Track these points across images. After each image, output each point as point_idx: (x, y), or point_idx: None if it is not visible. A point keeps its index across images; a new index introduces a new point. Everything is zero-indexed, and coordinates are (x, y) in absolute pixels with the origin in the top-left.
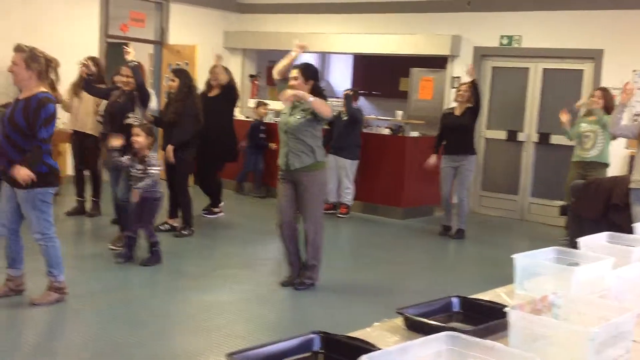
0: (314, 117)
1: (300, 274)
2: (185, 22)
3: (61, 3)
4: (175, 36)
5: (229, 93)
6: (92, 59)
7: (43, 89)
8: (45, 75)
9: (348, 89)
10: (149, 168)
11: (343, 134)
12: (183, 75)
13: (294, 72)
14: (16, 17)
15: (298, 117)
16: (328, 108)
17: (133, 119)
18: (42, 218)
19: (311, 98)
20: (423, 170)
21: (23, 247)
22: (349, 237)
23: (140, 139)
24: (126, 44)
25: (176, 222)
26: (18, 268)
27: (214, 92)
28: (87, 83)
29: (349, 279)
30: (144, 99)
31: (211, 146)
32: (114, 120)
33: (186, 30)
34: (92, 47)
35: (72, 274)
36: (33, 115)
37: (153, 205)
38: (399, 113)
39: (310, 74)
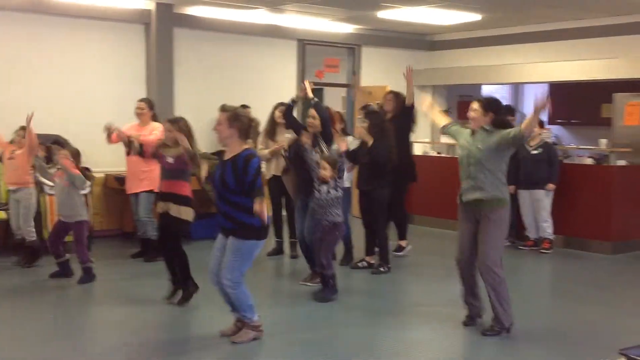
0: (499, 145)
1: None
2: (377, 64)
3: (263, 54)
4: (367, 78)
5: (407, 115)
6: (284, 104)
7: (245, 147)
8: (246, 134)
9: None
10: (332, 200)
11: (535, 167)
12: (374, 116)
13: (474, 105)
14: (228, 74)
15: (480, 146)
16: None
17: (318, 155)
18: (237, 267)
19: None
20: (633, 202)
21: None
22: (555, 273)
23: (326, 172)
24: (321, 90)
25: (373, 260)
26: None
27: (389, 116)
28: (289, 110)
29: (558, 318)
30: (327, 137)
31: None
32: (298, 158)
33: (377, 71)
34: (290, 94)
35: (269, 311)
36: (242, 173)
37: (334, 235)
38: (603, 141)
39: (490, 106)
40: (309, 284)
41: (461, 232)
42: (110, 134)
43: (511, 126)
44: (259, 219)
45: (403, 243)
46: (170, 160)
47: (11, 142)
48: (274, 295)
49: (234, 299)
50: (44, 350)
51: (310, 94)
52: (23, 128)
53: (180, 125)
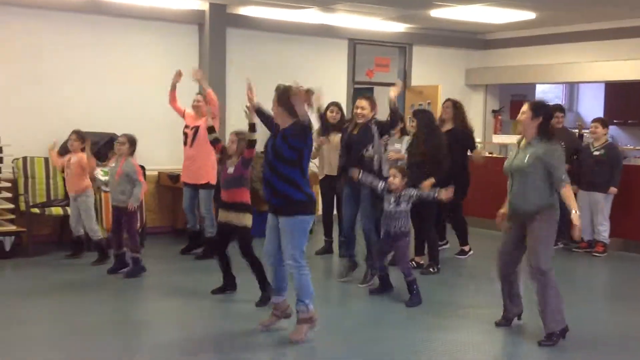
0: (541, 163)
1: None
2: (428, 63)
3: (314, 54)
4: (418, 77)
5: (462, 132)
6: (336, 104)
7: (295, 120)
8: (294, 110)
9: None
10: (402, 205)
11: (596, 169)
12: (422, 116)
13: (525, 107)
14: (279, 73)
15: (525, 159)
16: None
17: (370, 152)
18: (295, 246)
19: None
20: None
21: (286, 275)
22: (608, 278)
23: (396, 180)
24: (372, 89)
25: (422, 260)
26: (282, 295)
27: (446, 127)
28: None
29: (611, 323)
30: (388, 128)
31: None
32: (351, 153)
33: (428, 71)
34: (341, 93)
35: (322, 311)
36: (290, 136)
37: (404, 241)
38: None
39: (540, 110)
40: (362, 285)
41: (506, 232)
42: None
43: (554, 137)
44: (305, 194)
45: (466, 248)
46: (230, 170)
47: (63, 146)
48: (321, 293)
49: (296, 283)
50: (95, 344)
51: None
52: (75, 132)
53: (244, 141)
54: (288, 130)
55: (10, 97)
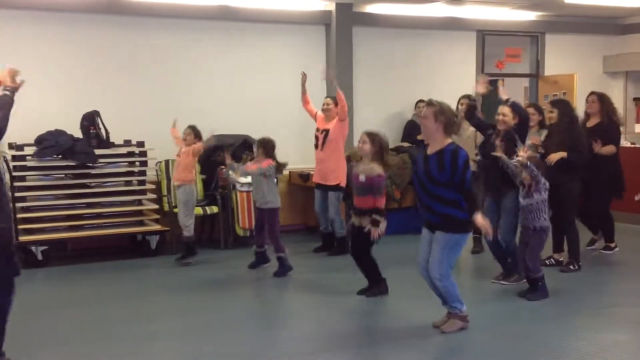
0: None
1: None
2: (562, 52)
3: (441, 47)
4: (551, 67)
5: (609, 125)
6: (468, 97)
7: (450, 141)
8: (451, 129)
9: None
10: (538, 198)
11: None
12: (562, 106)
13: None
14: (406, 69)
15: None
16: None
17: (515, 162)
18: (445, 261)
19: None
20: None
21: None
22: None
23: (528, 176)
24: (502, 80)
25: (562, 257)
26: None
27: (593, 122)
28: (472, 110)
29: None
30: (523, 135)
31: (596, 178)
32: (488, 157)
33: (562, 59)
34: (469, 85)
35: (468, 307)
36: (450, 167)
37: (540, 239)
38: None
39: None
40: (503, 282)
41: None
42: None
43: None
44: (465, 212)
45: (612, 244)
46: (362, 178)
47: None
48: (471, 291)
49: (443, 291)
50: (240, 337)
51: (504, 95)
52: (190, 127)
53: (376, 139)
54: (446, 155)
55: (152, 104)
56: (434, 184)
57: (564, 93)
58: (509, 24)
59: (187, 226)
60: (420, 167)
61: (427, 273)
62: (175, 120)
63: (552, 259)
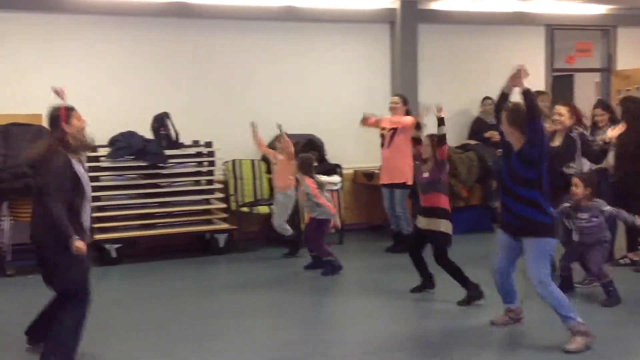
0: None
1: None
2: (636, 45)
3: (508, 43)
4: (624, 61)
5: None
6: (542, 93)
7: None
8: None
9: None
10: (595, 215)
11: None
12: (629, 102)
13: None
14: (471, 65)
15: None
16: None
17: (573, 170)
18: (542, 266)
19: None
20: None
21: (513, 283)
22: None
23: (578, 190)
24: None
25: (637, 256)
26: (514, 303)
27: None
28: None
29: None
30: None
31: None
32: (551, 166)
33: (636, 53)
34: (539, 81)
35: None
36: (530, 147)
37: (601, 248)
38: None
39: None
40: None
41: None
42: (368, 118)
43: None
44: (549, 216)
45: None
46: (425, 174)
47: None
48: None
49: (549, 302)
50: (297, 337)
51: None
52: (279, 134)
53: (435, 141)
54: (525, 147)
55: (219, 105)
56: (516, 181)
57: (638, 88)
58: (578, 18)
59: (285, 229)
60: (502, 170)
61: (500, 276)
62: (254, 126)
63: (627, 259)
